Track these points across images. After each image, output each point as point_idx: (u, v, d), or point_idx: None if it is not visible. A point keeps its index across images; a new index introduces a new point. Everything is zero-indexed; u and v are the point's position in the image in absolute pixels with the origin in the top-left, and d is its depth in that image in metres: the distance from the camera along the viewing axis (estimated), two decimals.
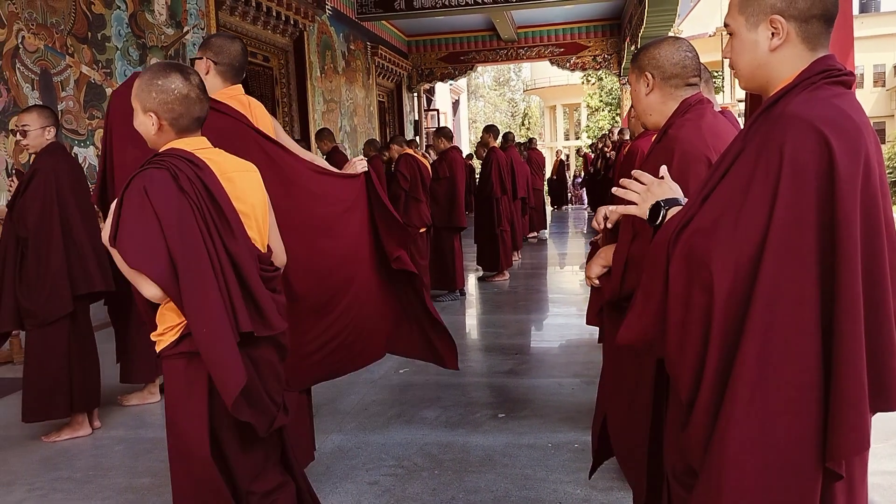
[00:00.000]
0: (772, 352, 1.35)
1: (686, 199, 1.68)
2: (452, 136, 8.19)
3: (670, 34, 13.34)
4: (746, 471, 1.37)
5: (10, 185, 5.55)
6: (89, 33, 6.43)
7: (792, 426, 1.35)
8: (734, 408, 1.36)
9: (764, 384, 1.35)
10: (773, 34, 1.52)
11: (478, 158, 9.76)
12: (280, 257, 2.35)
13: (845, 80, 1.49)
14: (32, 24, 5.80)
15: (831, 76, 1.48)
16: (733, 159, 1.48)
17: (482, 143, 9.35)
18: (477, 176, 18.02)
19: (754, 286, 1.35)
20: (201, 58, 2.95)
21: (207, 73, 2.93)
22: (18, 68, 5.68)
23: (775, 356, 1.35)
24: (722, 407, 1.39)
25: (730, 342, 1.38)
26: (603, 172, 12.56)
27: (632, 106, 2.51)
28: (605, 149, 12.71)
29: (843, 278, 1.33)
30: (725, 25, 1.62)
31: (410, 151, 6.86)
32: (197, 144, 2.10)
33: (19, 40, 5.67)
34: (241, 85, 3.03)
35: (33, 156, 4.00)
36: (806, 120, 1.38)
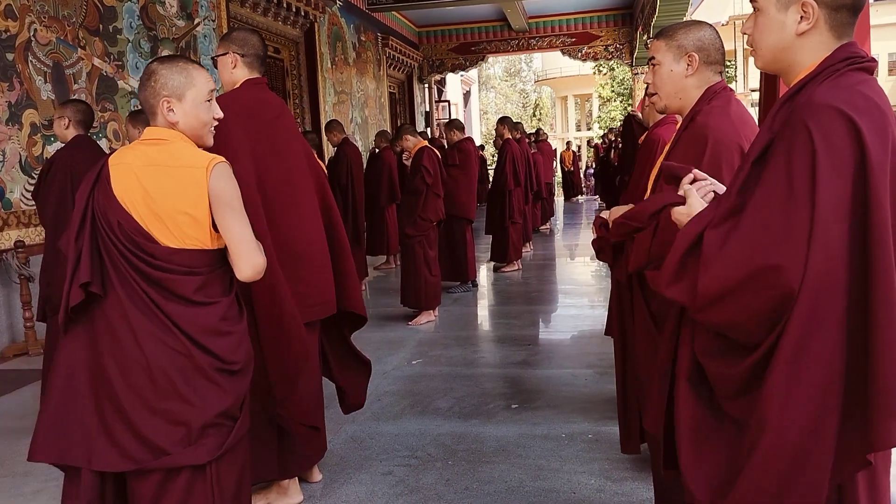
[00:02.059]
0: (805, 347, 1.35)
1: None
2: (464, 128, 8.17)
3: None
4: (773, 459, 1.37)
5: (30, 180, 5.58)
6: (101, 25, 6.44)
7: (812, 419, 1.35)
8: (769, 404, 1.37)
9: (795, 378, 1.35)
10: (801, 17, 1.50)
11: (495, 147, 9.79)
12: (245, 260, 2.09)
13: (868, 66, 1.48)
14: (44, 17, 5.81)
15: (855, 63, 1.46)
16: (762, 150, 1.46)
17: (498, 135, 9.36)
18: (490, 167, 18.02)
19: (804, 277, 1.34)
20: (226, 52, 2.98)
21: (235, 67, 2.99)
22: (31, 61, 5.69)
23: (807, 352, 1.35)
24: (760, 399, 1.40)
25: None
26: (615, 163, 12.49)
27: (647, 93, 2.40)
28: (617, 140, 12.64)
29: (877, 265, 1.32)
30: (752, 0, 1.58)
31: (427, 144, 6.84)
32: (148, 135, 2.12)
33: (31, 33, 5.69)
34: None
35: (47, 148, 4.07)
36: (834, 107, 1.36)
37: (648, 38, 12.11)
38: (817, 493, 1.36)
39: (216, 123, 2.21)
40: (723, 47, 2.29)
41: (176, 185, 2.02)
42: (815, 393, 1.34)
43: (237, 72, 2.97)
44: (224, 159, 2.10)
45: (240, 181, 2.58)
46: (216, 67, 3.06)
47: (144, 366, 1.97)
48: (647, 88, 2.41)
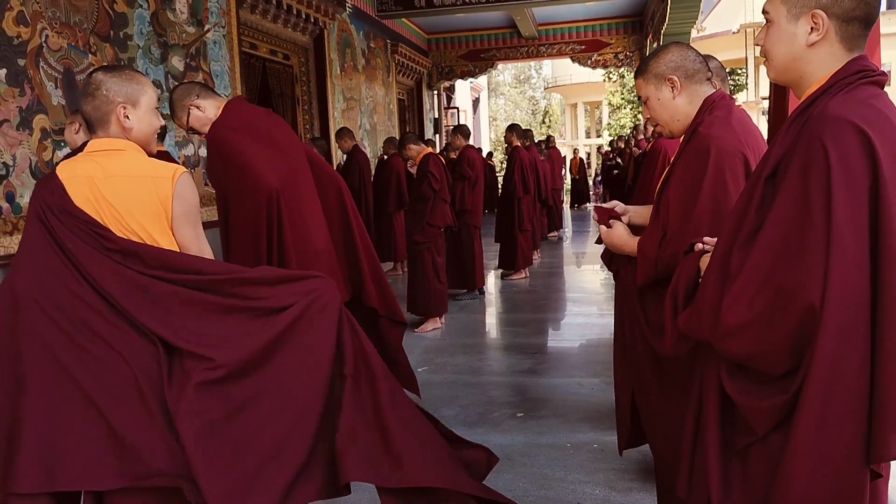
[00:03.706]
0: (837, 370, 1.34)
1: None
2: (470, 134, 8.17)
3: (693, 32, 13.22)
4: (804, 473, 1.38)
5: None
6: (111, 32, 6.48)
7: (844, 428, 1.36)
8: (801, 419, 1.37)
9: (827, 395, 1.35)
10: (812, 29, 1.50)
11: (505, 154, 9.81)
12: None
13: (879, 79, 1.48)
14: (56, 23, 5.85)
15: (867, 76, 1.47)
16: (776, 163, 1.46)
17: (507, 143, 9.37)
18: (498, 175, 18.00)
19: (825, 296, 1.33)
20: (186, 112, 3.12)
21: (203, 110, 3.10)
22: (42, 67, 5.73)
23: (840, 373, 1.34)
24: (794, 413, 1.39)
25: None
26: (626, 170, 12.47)
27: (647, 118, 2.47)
28: (628, 148, 12.60)
29: (888, 282, 1.31)
30: (764, 12, 1.59)
31: (432, 150, 6.86)
32: (98, 146, 2.12)
33: (43, 39, 5.72)
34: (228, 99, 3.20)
35: (57, 153, 4.12)
36: (848, 120, 1.36)
37: (658, 45, 12.10)
38: None
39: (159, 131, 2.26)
40: (698, 56, 2.32)
41: (142, 195, 2.03)
42: (850, 412, 1.35)
43: (207, 109, 3.07)
44: (186, 170, 2.13)
45: (262, 188, 2.61)
46: (197, 133, 3.09)
47: (130, 376, 1.91)
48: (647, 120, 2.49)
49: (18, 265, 2.02)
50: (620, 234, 2.44)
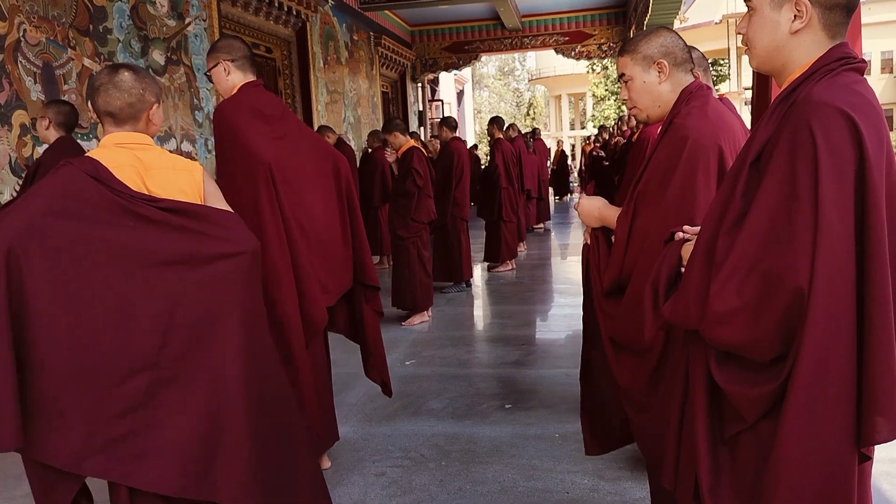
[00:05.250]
0: (826, 356, 1.35)
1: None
2: (456, 126, 8.15)
3: (676, 22, 13.25)
4: (795, 459, 1.39)
5: (19, 181, 5.55)
6: (91, 26, 6.40)
7: (834, 413, 1.36)
8: (791, 405, 1.38)
9: (817, 380, 1.36)
10: (795, 16, 1.51)
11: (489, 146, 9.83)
12: None
13: (859, 66, 1.49)
14: (34, 17, 5.77)
15: (848, 63, 1.47)
16: (761, 149, 1.46)
17: (489, 135, 9.37)
18: (483, 167, 17.99)
19: (812, 279, 1.33)
20: (217, 63, 3.07)
21: (229, 74, 3.07)
22: (20, 62, 5.66)
23: (829, 359, 1.35)
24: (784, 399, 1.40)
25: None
26: (611, 159, 12.48)
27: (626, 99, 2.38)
28: (612, 139, 12.62)
29: (874, 265, 1.32)
30: (747, 1, 1.59)
31: (415, 143, 6.82)
32: (129, 139, 2.20)
33: (21, 33, 5.65)
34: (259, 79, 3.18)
35: (37, 149, 4.07)
36: (835, 106, 1.36)
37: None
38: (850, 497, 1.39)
39: None
40: (686, 46, 2.29)
41: (183, 185, 2.22)
42: (839, 396, 1.36)
43: (232, 77, 3.07)
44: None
45: (257, 179, 2.66)
46: (211, 82, 3.11)
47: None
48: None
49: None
50: (593, 204, 2.38)
